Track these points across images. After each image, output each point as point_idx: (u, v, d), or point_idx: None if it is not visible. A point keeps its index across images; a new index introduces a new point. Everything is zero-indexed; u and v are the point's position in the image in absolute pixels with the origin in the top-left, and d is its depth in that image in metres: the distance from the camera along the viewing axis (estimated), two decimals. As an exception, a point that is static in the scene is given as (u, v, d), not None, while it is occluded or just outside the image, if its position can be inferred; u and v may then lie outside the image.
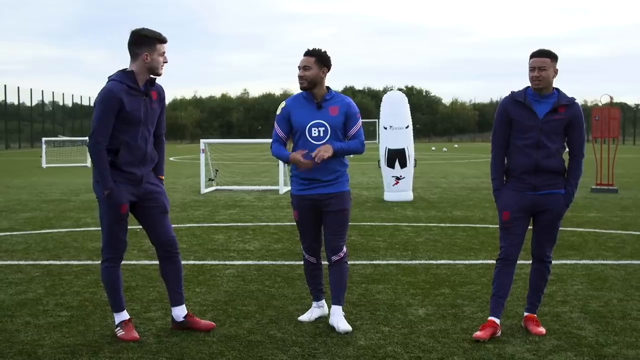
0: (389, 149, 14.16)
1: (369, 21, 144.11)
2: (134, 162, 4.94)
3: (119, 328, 4.99)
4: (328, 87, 5.32)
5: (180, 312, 5.17)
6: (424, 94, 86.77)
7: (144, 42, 4.86)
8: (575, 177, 5.12)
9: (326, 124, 5.23)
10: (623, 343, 4.86)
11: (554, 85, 5.09)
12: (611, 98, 17.43)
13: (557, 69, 5.04)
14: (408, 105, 14.64)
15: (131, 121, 4.86)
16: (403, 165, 14.10)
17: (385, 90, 72.23)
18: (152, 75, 4.97)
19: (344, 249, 5.33)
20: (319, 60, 5.22)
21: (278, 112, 5.35)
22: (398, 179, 14.16)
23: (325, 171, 5.23)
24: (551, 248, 5.23)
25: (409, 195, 14.31)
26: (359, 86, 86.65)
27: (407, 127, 14.25)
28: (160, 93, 5.09)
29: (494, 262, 5.25)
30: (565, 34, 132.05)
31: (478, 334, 4.94)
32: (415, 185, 16.37)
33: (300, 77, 5.23)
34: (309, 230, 5.41)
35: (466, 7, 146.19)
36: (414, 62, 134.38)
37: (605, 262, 7.71)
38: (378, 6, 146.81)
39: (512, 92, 5.13)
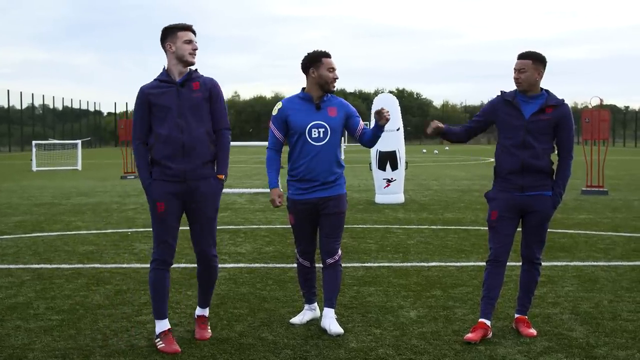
0: (380, 152, 14.17)
1: (359, 23, 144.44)
2: (171, 155, 4.83)
3: (158, 339, 4.81)
4: None
5: (198, 311, 5.20)
6: (414, 96, 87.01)
7: (166, 34, 4.91)
8: (564, 178, 5.14)
9: (326, 125, 5.21)
10: (614, 344, 4.88)
11: (545, 87, 5.13)
12: (601, 100, 17.52)
13: (541, 71, 5.06)
14: (399, 108, 14.66)
15: (162, 113, 4.83)
16: (394, 167, 14.12)
17: (376, 93, 72.37)
18: (186, 65, 4.90)
19: (339, 251, 5.33)
20: None
21: (274, 112, 5.30)
22: (389, 181, 14.18)
23: (325, 173, 5.22)
24: (540, 249, 5.25)
25: (400, 198, 14.33)
26: (350, 88, 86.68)
27: (398, 130, 14.25)
28: (206, 84, 4.94)
29: (485, 264, 5.27)
30: (555, 36, 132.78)
31: (469, 335, 4.95)
32: (407, 188, 16.39)
33: (336, 79, 5.26)
34: (305, 234, 5.38)
35: (455, 10, 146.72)
36: (404, 65, 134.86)
37: (595, 263, 7.74)
38: (368, 9, 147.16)
39: (503, 92, 5.19)
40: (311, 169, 5.19)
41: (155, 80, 4.93)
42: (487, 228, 5.35)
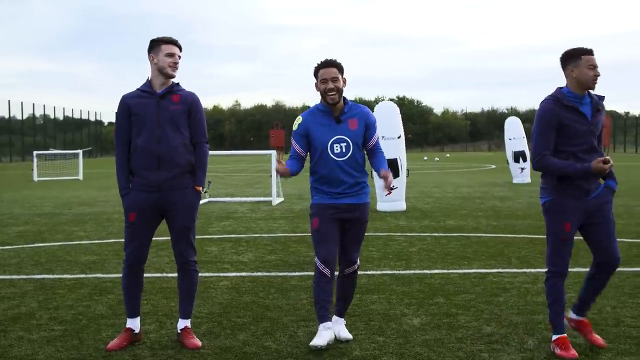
0: (381, 159, 14.17)
1: (358, 32, 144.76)
2: (147, 165, 4.96)
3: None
4: (344, 98, 5.10)
5: (180, 324, 5.21)
6: (415, 103, 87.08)
7: (151, 46, 5.07)
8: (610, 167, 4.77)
9: (348, 140, 5.00)
10: (617, 350, 4.87)
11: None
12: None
13: None
14: (400, 116, 14.70)
15: (141, 122, 4.97)
16: (395, 175, 14.12)
17: (376, 101, 72.41)
18: (167, 78, 5.02)
19: (358, 261, 5.28)
20: (340, 70, 4.98)
21: (295, 127, 5.11)
22: (391, 189, 14.16)
23: (348, 181, 5.04)
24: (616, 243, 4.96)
25: (402, 205, 14.34)
26: (350, 97, 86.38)
27: (399, 137, 14.28)
28: (186, 98, 5.07)
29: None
30: (553, 43, 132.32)
31: (562, 353, 4.72)
32: (408, 195, 16.40)
33: (331, 90, 4.91)
34: (328, 237, 5.02)
35: (454, 18, 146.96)
36: (404, 73, 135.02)
37: (598, 269, 7.71)
38: (366, 17, 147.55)
39: (555, 96, 4.75)
40: (333, 179, 5.03)
41: (137, 89, 5.08)
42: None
